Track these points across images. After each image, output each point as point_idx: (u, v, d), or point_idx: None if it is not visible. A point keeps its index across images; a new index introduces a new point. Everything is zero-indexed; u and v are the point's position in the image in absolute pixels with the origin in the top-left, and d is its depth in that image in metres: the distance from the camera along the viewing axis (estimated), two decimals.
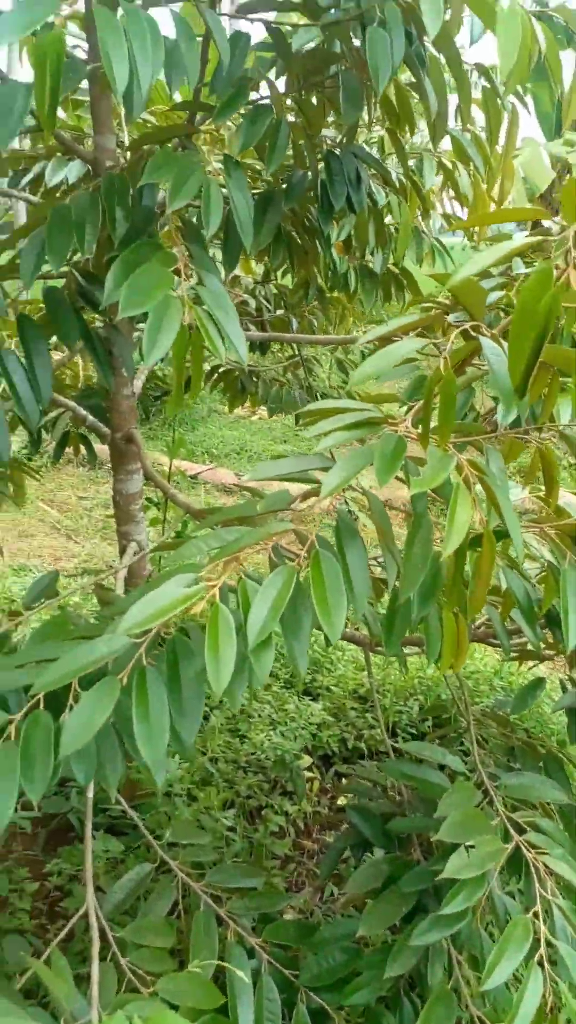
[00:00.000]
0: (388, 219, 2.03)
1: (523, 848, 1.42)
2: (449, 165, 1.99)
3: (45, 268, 1.38)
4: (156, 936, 1.38)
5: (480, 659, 3.26)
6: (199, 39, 1.25)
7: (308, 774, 2.55)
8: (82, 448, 2.63)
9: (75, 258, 1.55)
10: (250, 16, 1.33)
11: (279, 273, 2.67)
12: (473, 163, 1.69)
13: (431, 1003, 1.37)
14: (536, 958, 1.24)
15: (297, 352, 2.81)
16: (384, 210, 1.82)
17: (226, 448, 6.67)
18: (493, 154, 1.70)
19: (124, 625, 1.02)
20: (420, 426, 1.04)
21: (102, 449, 2.77)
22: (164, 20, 1.25)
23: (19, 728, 1.11)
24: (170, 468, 2.86)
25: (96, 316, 1.81)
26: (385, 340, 1.46)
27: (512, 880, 1.68)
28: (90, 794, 1.37)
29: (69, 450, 2.63)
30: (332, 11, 1.28)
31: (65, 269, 1.52)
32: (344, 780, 2.62)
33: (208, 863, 1.61)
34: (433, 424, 1.07)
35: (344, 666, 3.19)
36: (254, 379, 2.75)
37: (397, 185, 1.78)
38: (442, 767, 1.67)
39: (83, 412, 2.25)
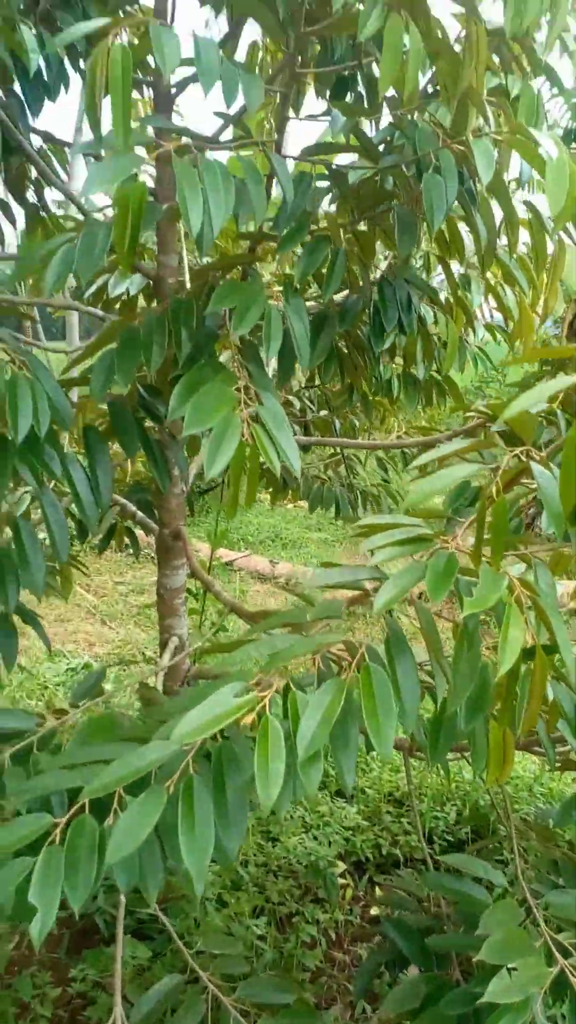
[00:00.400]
0: (433, 327, 2.11)
1: (568, 973, 1.38)
2: (493, 282, 2.09)
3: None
4: None
5: (520, 764, 3.19)
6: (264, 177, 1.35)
7: (341, 881, 2.49)
8: (126, 539, 2.70)
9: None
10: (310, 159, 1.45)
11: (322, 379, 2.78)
12: (519, 284, 1.78)
13: None
14: None
15: (339, 450, 2.88)
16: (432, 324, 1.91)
17: (261, 535, 6.74)
18: (538, 275, 1.78)
19: (177, 735, 1.04)
20: (473, 544, 1.07)
21: (141, 535, 2.85)
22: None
23: (64, 833, 1.12)
24: (211, 560, 2.91)
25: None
26: (428, 440, 1.51)
27: (556, 1005, 1.61)
28: (122, 897, 1.36)
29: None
30: (389, 156, 1.38)
31: None
32: (378, 888, 2.55)
33: (239, 975, 1.58)
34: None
35: (379, 767, 3.14)
36: (296, 475, 2.82)
37: (444, 304, 1.86)
38: (480, 879, 1.63)
39: (132, 508, 2.32)
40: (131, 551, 5.86)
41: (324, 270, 1.53)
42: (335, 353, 1.72)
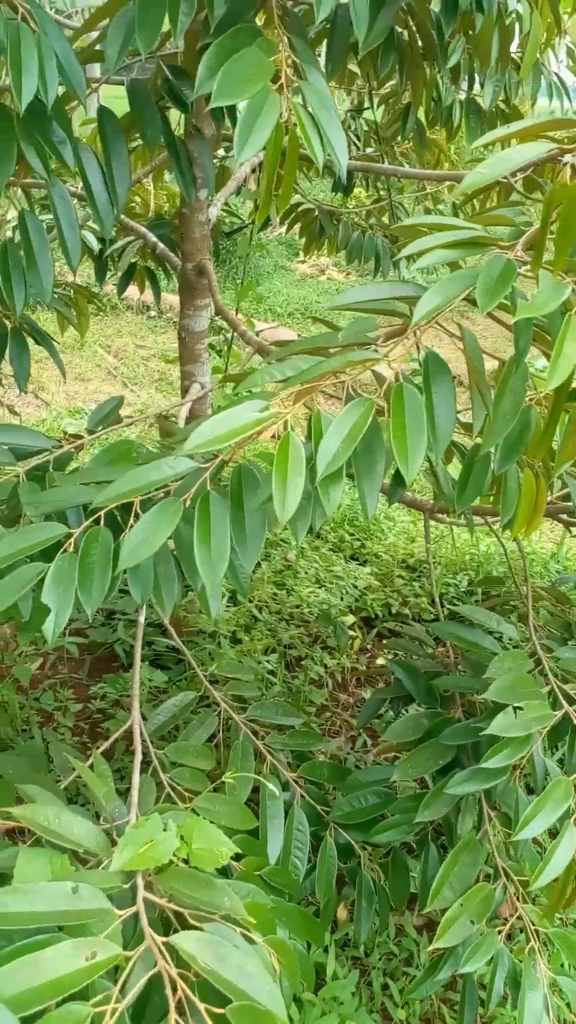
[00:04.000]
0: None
1: (572, 717, 1.41)
2: None
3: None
4: (196, 758, 1.42)
5: (536, 542, 3.20)
6: None
7: (350, 633, 2.57)
8: (147, 288, 2.52)
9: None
10: None
11: (374, 105, 2.45)
12: None
13: (457, 849, 1.40)
14: (573, 819, 1.24)
15: (384, 194, 2.61)
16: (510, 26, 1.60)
17: (289, 307, 6.45)
18: None
19: (191, 443, 0.96)
20: (533, 251, 0.93)
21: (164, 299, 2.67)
22: None
23: (78, 542, 1.09)
24: (236, 309, 2.75)
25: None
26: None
27: (553, 752, 1.68)
28: (142, 619, 1.37)
29: (128, 296, 2.52)
30: None
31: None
32: (385, 642, 2.64)
33: (250, 699, 1.64)
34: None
35: (395, 536, 3.16)
36: (334, 221, 2.57)
37: None
38: (492, 632, 1.64)
39: (153, 239, 2.14)
40: (153, 313, 5.61)
41: None
42: (395, 42, 1.46)
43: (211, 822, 0.99)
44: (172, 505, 1.04)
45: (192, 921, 0.64)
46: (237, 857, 1.17)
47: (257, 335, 6.36)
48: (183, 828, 0.78)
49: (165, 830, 0.73)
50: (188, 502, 1.06)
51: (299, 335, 5.98)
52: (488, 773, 1.34)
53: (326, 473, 0.96)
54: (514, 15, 1.55)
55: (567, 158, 1.06)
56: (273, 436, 0.99)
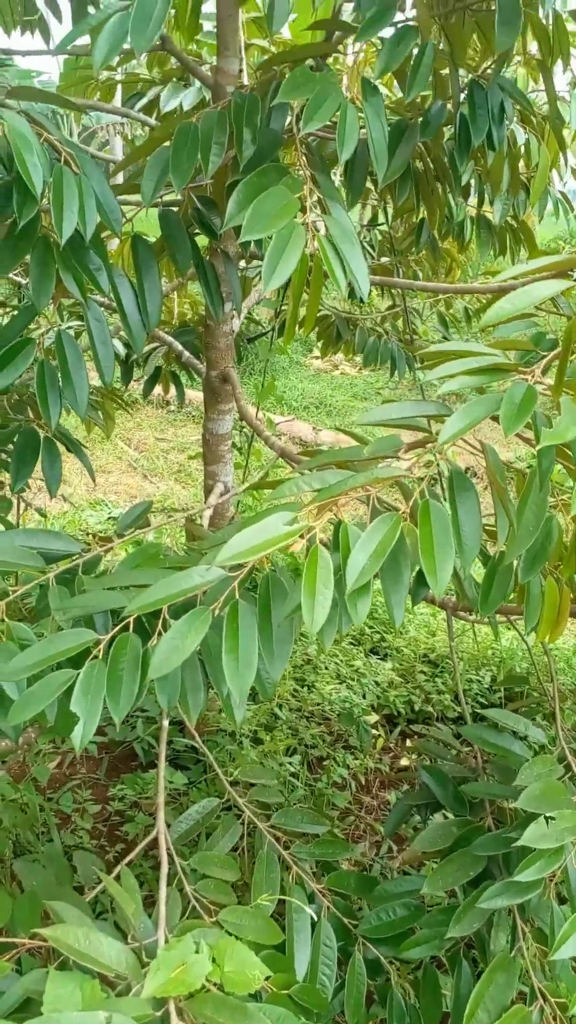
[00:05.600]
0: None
1: None
2: None
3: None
4: (220, 869, 1.39)
5: (560, 639, 3.17)
6: None
7: (372, 731, 2.54)
8: (171, 387, 2.61)
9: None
10: None
11: (388, 219, 2.58)
12: None
13: (491, 969, 1.35)
14: None
15: (398, 302, 2.72)
16: (517, 151, 1.71)
17: (305, 401, 6.61)
18: None
19: (223, 556, 0.99)
20: (554, 376, 0.97)
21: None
22: None
23: (106, 649, 1.11)
24: (257, 409, 2.83)
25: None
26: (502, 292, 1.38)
27: None
28: (165, 722, 1.37)
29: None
30: None
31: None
32: (408, 741, 2.60)
33: (274, 805, 1.62)
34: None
35: (416, 630, 3.15)
36: (350, 327, 2.68)
37: (535, 123, 1.66)
38: (518, 735, 1.62)
39: (179, 347, 2.23)
40: (173, 407, 5.74)
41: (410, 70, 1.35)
42: (411, 172, 1.56)
43: (237, 937, 0.96)
44: (202, 614, 1.06)
45: None
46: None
47: (274, 427, 6.40)
48: (215, 950, 0.76)
49: (197, 951, 0.72)
50: (217, 611, 1.08)
51: (314, 427, 6.11)
52: (521, 887, 1.31)
53: (355, 587, 0.98)
54: (522, 146, 1.65)
55: None
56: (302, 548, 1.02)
